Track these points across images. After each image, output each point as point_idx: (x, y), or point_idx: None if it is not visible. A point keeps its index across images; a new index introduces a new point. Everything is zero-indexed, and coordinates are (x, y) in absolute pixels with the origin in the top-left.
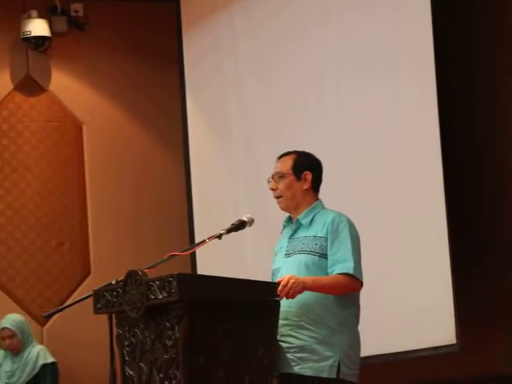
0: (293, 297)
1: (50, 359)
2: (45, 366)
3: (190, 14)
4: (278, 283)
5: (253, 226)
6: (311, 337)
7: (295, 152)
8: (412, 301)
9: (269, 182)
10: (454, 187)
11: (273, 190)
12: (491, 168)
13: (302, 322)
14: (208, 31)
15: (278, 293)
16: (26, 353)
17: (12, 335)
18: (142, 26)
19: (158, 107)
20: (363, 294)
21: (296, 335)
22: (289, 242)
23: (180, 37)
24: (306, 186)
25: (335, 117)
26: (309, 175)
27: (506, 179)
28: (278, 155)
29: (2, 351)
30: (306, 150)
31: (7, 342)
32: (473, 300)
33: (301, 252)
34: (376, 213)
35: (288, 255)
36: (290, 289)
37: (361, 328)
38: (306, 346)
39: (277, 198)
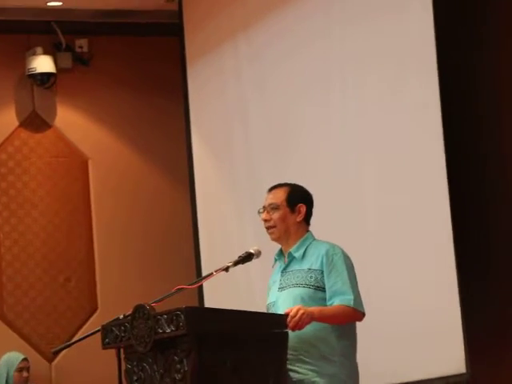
0: (301, 328)
1: None
2: None
3: (194, 47)
4: (286, 315)
5: (260, 258)
6: (311, 370)
7: (287, 184)
8: (419, 328)
9: (259, 213)
10: (459, 203)
11: (266, 220)
12: (497, 184)
13: (302, 356)
14: (212, 62)
15: (288, 324)
16: None
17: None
18: (146, 60)
19: (165, 140)
20: (369, 323)
21: (296, 369)
22: (282, 276)
23: (184, 69)
24: (299, 218)
25: (340, 134)
26: (303, 208)
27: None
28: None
29: None
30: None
31: (25, 374)
32: (483, 326)
33: (295, 285)
34: (381, 231)
35: (282, 289)
36: (300, 320)
37: (366, 357)
38: (306, 379)
39: (269, 228)
